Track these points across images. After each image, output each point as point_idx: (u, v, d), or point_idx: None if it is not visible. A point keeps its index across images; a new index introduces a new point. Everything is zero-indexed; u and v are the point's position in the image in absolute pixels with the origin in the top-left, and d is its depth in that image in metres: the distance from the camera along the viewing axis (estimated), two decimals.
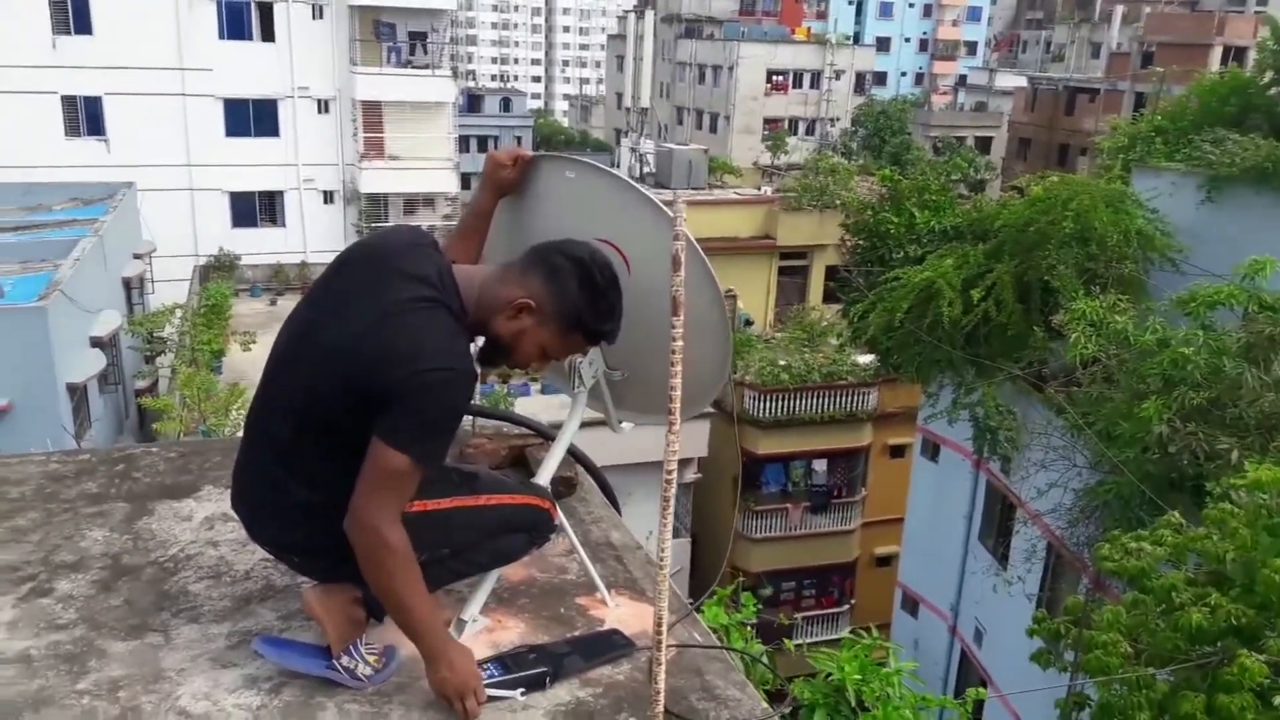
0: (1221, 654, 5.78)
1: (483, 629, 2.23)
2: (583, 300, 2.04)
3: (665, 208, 2.08)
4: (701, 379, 2.31)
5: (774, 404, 19.61)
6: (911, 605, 16.79)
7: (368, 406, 1.87)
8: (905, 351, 12.62)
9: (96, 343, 15.03)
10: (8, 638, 2.15)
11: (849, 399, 20.09)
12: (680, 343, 1.74)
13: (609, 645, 2.18)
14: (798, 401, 19.78)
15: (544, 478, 2.35)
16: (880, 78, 59.94)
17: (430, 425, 1.89)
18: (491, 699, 1.96)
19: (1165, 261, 10.96)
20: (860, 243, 15.13)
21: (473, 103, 52.69)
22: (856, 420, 20.34)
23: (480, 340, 2.09)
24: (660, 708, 1.85)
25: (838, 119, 49.91)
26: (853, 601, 21.47)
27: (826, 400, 19.98)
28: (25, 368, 12.78)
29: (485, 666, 2.02)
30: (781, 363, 20.03)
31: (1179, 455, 8.46)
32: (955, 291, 11.49)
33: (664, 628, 1.83)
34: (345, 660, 2.00)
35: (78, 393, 14.05)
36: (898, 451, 20.48)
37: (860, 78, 52.39)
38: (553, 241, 2.11)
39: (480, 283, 2.05)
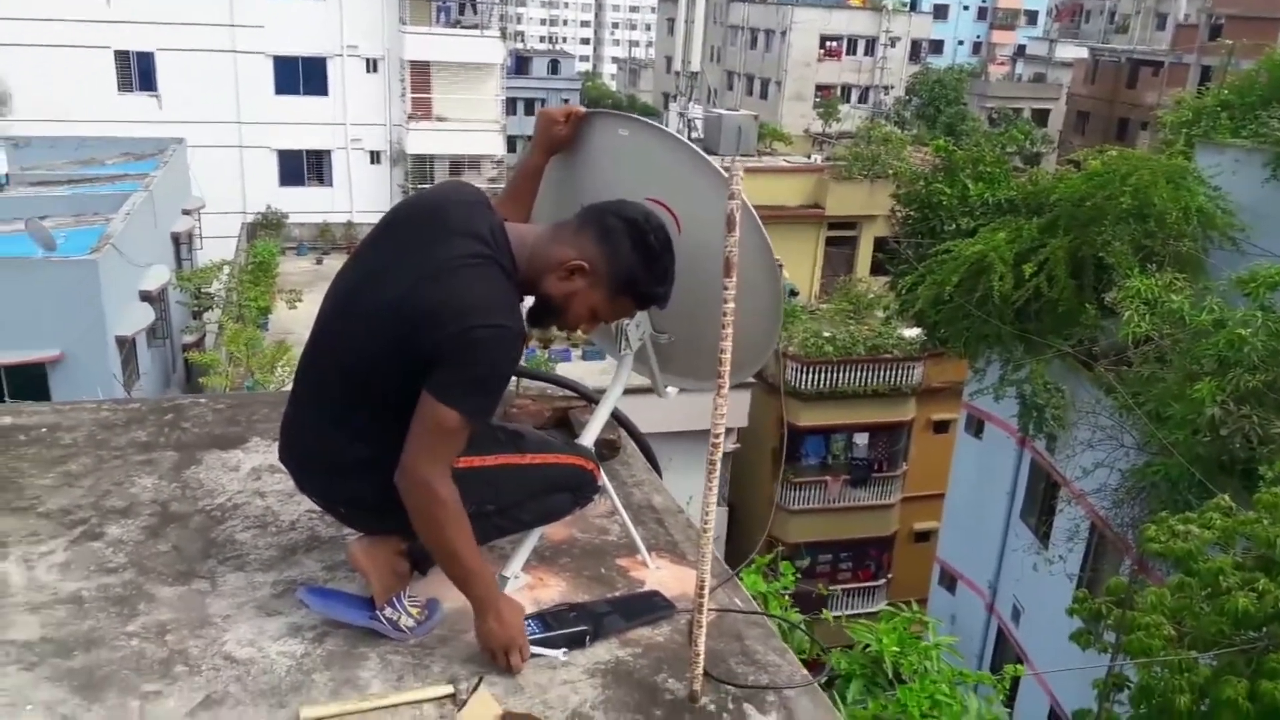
0: (1267, 640, 5.68)
1: (524, 586, 2.24)
2: (636, 263, 2.01)
3: (721, 169, 2.04)
4: (751, 344, 2.28)
5: (817, 376, 19.45)
6: (949, 581, 16.71)
7: (418, 363, 1.86)
8: (953, 326, 12.46)
9: (145, 297, 15.22)
10: (60, 579, 2.19)
11: (894, 373, 19.85)
12: (731, 304, 1.71)
13: (649, 606, 2.19)
14: (841, 374, 19.58)
15: (588, 439, 2.34)
16: (937, 46, 58.59)
17: (480, 382, 1.89)
18: (533, 655, 1.97)
19: (1225, 240, 10.67)
20: (911, 214, 14.88)
21: (520, 64, 52.45)
22: (900, 394, 20.10)
23: (529, 300, 2.07)
24: (699, 669, 1.85)
25: (892, 87, 48.99)
26: (889, 575, 21.40)
27: (870, 373, 19.75)
28: (77, 319, 13.00)
29: (526, 622, 2.02)
30: (826, 334, 19.84)
31: (1231, 438, 8.30)
32: (1007, 266, 11.30)
33: (705, 590, 1.82)
34: (388, 612, 2.02)
35: (126, 345, 14.27)
36: (941, 427, 20.27)
37: (916, 45, 51.32)
38: (607, 202, 2.08)
39: (532, 242, 2.03)
